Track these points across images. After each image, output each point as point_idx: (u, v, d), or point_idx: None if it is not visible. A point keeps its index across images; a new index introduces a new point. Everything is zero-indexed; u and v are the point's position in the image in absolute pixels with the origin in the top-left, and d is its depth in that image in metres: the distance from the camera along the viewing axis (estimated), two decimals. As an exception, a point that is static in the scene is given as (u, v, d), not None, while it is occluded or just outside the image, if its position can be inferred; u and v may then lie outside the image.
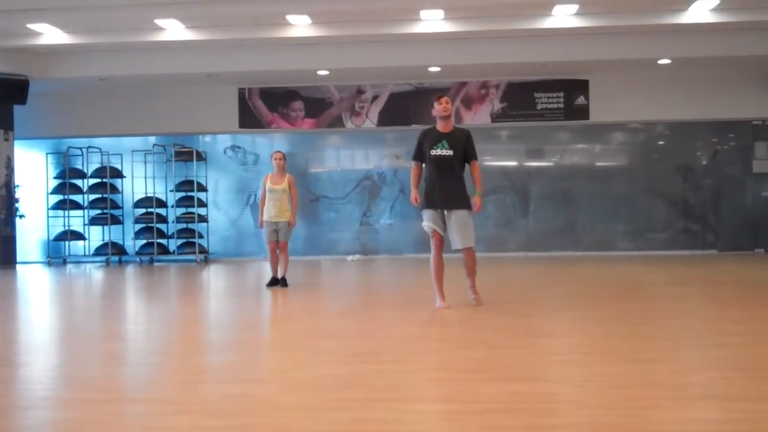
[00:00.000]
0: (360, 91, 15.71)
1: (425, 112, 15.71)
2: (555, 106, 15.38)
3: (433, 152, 7.59)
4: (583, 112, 15.34)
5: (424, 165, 7.79)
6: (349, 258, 15.67)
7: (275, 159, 10.27)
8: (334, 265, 14.56)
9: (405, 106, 15.64)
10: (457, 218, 7.63)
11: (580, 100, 15.31)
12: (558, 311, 7.82)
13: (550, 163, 15.97)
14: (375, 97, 15.69)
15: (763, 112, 15.20)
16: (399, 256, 15.74)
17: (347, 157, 16.44)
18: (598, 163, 16.10)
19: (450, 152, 7.56)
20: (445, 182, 7.58)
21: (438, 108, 7.60)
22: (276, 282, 10.22)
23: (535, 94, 15.41)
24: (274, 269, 10.27)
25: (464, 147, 7.65)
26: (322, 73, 14.69)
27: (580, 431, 3.62)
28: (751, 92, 15.07)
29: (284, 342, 6.49)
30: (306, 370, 5.05)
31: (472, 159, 7.73)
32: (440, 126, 7.68)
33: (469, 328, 6.79)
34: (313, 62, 14.08)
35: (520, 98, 15.45)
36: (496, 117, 15.54)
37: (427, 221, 7.69)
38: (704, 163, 15.80)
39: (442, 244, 7.80)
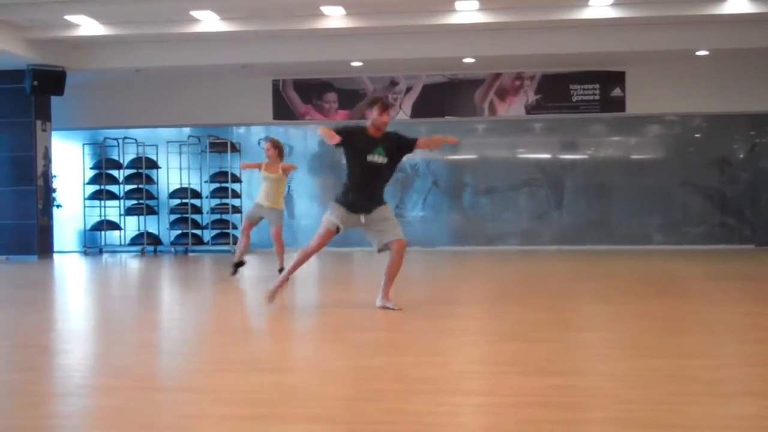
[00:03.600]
0: (393, 83, 15.68)
1: (460, 103, 15.80)
2: (591, 97, 15.24)
3: (369, 158, 7.05)
4: (619, 104, 15.19)
5: (349, 163, 7.20)
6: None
7: (265, 149, 10.15)
8: (366, 256, 14.57)
9: (439, 98, 15.58)
10: (378, 214, 7.20)
11: (616, 91, 15.16)
12: (592, 305, 7.77)
13: (585, 156, 15.84)
14: (409, 89, 15.65)
15: (805, 104, 14.97)
16: (431, 248, 15.70)
17: (381, 148, 16.41)
18: (634, 156, 15.95)
19: (385, 160, 7.12)
20: (373, 190, 7.18)
21: (379, 120, 7.07)
22: (240, 266, 10.15)
23: (571, 86, 15.27)
24: (241, 253, 10.17)
25: (396, 150, 7.23)
26: (356, 64, 14.68)
27: (617, 426, 3.59)
28: (790, 84, 14.83)
29: (318, 333, 6.52)
30: (341, 361, 5.07)
31: (413, 141, 7.32)
32: (373, 131, 7.14)
33: (502, 321, 6.76)
34: (346, 53, 14.07)
35: (556, 90, 15.33)
36: (530, 109, 15.44)
37: (337, 218, 7.13)
38: (741, 156, 15.59)
39: (326, 242, 7.30)
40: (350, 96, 15.78)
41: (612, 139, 15.99)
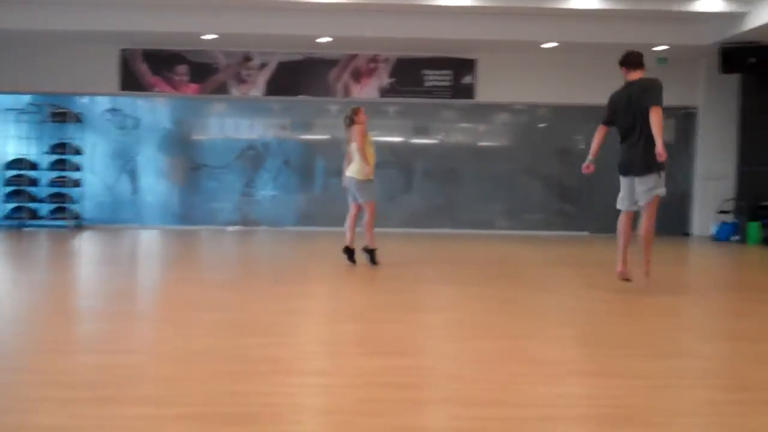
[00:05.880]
0: (247, 59, 15.41)
1: (314, 82, 15.71)
2: (443, 83, 15.50)
3: None
4: (470, 92, 15.53)
5: None
6: (229, 229, 15.45)
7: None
8: (213, 235, 14.33)
9: (294, 76, 15.43)
10: None
11: (467, 79, 15.49)
12: (436, 287, 7.93)
13: (436, 141, 16.12)
14: (263, 65, 15.43)
15: (639, 99, 15.75)
16: (280, 228, 15.62)
17: (231, 125, 16.13)
18: (481, 143, 16.37)
19: None
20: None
21: None
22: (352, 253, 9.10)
23: (424, 71, 15.49)
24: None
25: None
26: (208, 37, 14.31)
27: (453, 404, 3.68)
28: (629, 80, 15.56)
29: (160, 313, 6.35)
30: (182, 342, 4.95)
31: None
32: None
33: (347, 302, 6.80)
34: (198, 25, 13.69)
35: (409, 74, 15.49)
36: (384, 92, 15.55)
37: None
38: (581, 147, 16.27)
39: None
40: (202, 69, 15.38)
41: (462, 125, 16.34)
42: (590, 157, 7.54)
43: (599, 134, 7.50)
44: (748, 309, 6.74)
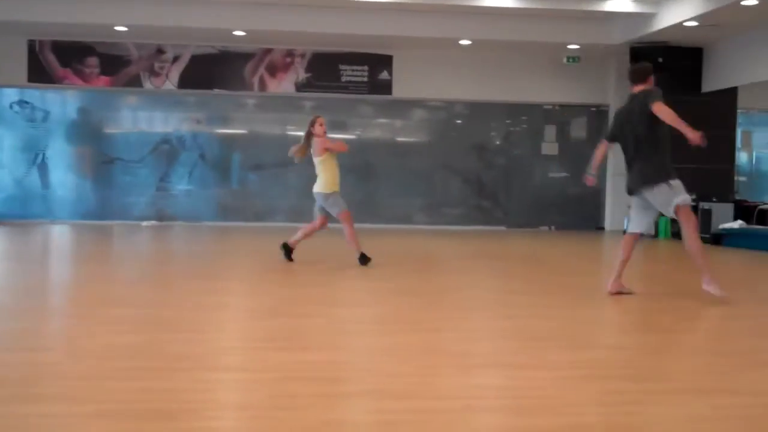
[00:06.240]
0: (160, 51, 15.14)
1: (229, 76, 15.53)
2: (359, 79, 15.53)
3: None
4: (386, 87, 15.60)
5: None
6: (144, 224, 15.16)
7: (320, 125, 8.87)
8: (127, 230, 14.04)
9: (208, 70, 15.24)
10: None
11: (384, 75, 15.55)
12: (355, 281, 7.94)
13: (353, 136, 16.12)
14: (176, 58, 15.18)
15: (554, 97, 16.09)
16: (197, 223, 15.41)
17: (145, 118, 15.83)
18: (399, 138, 16.46)
19: None
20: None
21: None
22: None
23: (341, 66, 15.49)
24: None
25: None
26: (120, 29, 14.01)
27: (369, 398, 3.69)
28: (543, 78, 15.87)
29: (73, 309, 6.19)
30: (94, 339, 4.84)
31: None
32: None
33: (266, 297, 6.76)
34: (110, 17, 13.39)
35: (326, 69, 15.48)
36: (300, 86, 15.49)
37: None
38: (498, 143, 16.53)
39: None
40: (113, 61, 15.06)
41: (379, 120, 16.40)
42: (591, 171, 7.17)
43: (601, 149, 7.17)
44: (657, 303, 6.94)
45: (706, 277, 6.57)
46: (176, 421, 3.28)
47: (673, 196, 6.57)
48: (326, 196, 8.83)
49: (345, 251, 9.08)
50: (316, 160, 8.88)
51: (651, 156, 6.66)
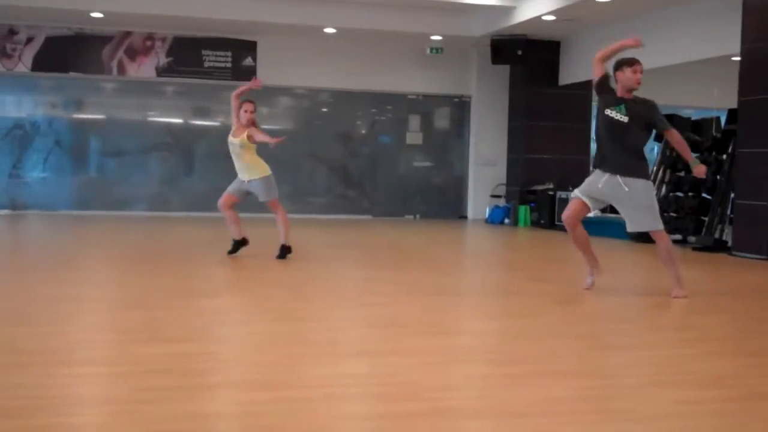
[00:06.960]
0: (12, 32, 14.42)
1: (86, 59, 14.95)
2: (223, 65, 15.27)
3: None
4: (251, 74, 15.37)
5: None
6: (-5, 212, 14.45)
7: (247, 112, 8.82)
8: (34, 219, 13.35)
9: (63, 52, 14.62)
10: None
11: (248, 61, 15.35)
12: (219, 271, 7.84)
13: (217, 123, 15.86)
14: (29, 39, 14.49)
15: (418, 87, 16.32)
16: (52, 212, 14.80)
17: (-4, 102, 15.06)
18: (264, 126, 16.22)
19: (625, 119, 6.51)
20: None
21: (633, 78, 6.45)
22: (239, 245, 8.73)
23: (203, 51, 15.18)
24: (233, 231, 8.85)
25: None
26: (-32, 8, 13.27)
27: (236, 389, 3.66)
28: (408, 68, 16.07)
29: None
30: (-62, 335, 4.58)
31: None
32: (621, 92, 6.61)
33: (126, 288, 6.58)
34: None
35: (188, 54, 15.13)
36: (161, 71, 15.09)
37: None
38: (363, 132, 16.63)
39: None
40: (-40, 42, 14.25)
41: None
42: (694, 161, 6.55)
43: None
44: (517, 287, 7.17)
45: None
46: (33, 418, 3.13)
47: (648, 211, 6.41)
48: (265, 180, 8.71)
49: (209, 240, 8.94)
50: (240, 146, 8.88)
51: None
